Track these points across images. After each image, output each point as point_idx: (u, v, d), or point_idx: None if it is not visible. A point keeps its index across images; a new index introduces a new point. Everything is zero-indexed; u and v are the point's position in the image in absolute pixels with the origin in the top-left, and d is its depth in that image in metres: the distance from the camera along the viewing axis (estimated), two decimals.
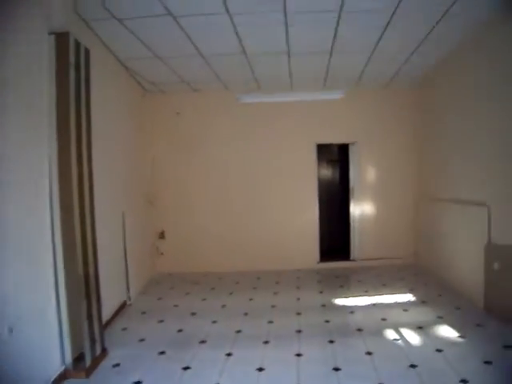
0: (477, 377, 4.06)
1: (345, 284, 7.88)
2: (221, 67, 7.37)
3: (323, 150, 10.09)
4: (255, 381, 4.16)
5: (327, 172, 11.12)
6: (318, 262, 9.22)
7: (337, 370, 4.31)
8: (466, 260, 6.66)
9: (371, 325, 5.59)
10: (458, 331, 5.21)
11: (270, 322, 5.84)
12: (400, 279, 7.90)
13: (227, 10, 5.14)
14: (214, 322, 5.90)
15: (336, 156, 11.04)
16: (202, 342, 5.20)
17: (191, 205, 9.10)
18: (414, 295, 6.82)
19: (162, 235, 9.06)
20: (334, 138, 9.33)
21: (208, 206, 9.11)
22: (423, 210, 8.82)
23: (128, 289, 6.99)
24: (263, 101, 8.78)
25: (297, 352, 4.78)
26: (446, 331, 5.25)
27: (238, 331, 5.50)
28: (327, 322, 5.76)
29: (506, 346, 4.72)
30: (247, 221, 9.13)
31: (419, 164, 9.04)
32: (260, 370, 4.38)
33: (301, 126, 9.10)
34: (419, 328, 5.37)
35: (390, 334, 5.25)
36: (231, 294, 7.34)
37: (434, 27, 5.84)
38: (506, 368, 4.24)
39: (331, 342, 5.05)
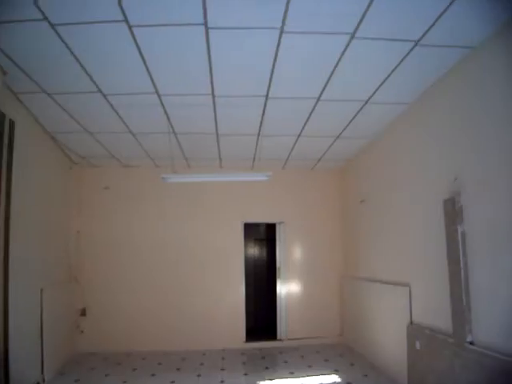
0: None
1: (270, 365, 7.71)
2: (150, 145, 7.45)
3: (251, 229, 10.21)
4: None
5: (254, 251, 11.21)
6: (245, 342, 9.03)
7: None
8: (389, 340, 6.75)
9: None
10: None
11: None
12: (326, 360, 7.84)
13: (156, 91, 5.26)
14: None
15: (263, 235, 11.18)
16: None
17: (116, 281, 8.79)
18: (340, 376, 6.77)
19: (83, 312, 8.60)
20: (262, 217, 9.49)
21: (134, 283, 8.82)
22: (348, 290, 8.97)
23: (42, 369, 6.52)
24: (189, 181, 8.80)
25: None
26: None
27: None
28: None
29: None
30: (173, 299, 8.88)
31: (344, 244, 9.32)
32: None
33: (229, 206, 9.22)
34: None
35: None
36: (153, 375, 6.98)
37: (352, 119, 6.30)
38: None
39: None
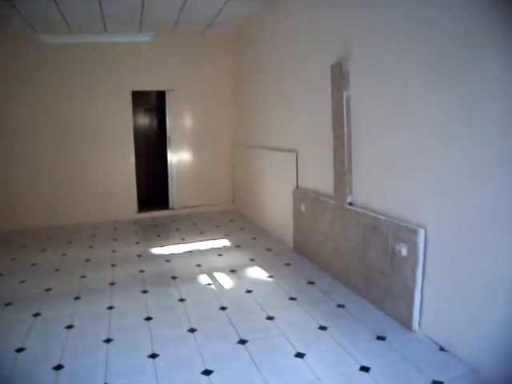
0: (283, 312, 4.29)
1: (162, 233, 7.80)
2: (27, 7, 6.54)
3: (140, 98, 9.74)
4: (64, 339, 3.88)
5: (144, 121, 10.81)
6: (137, 212, 9.00)
7: (148, 319, 4.22)
8: (277, 204, 6.99)
9: (186, 272, 5.60)
10: (268, 271, 5.46)
11: (83, 276, 5.52)
12: (217, 226, 8.06)
13: None
14: (22, 281, 5.39)
15: (154, 104, 10.75)
16: (8, 304, 4.70)
17: (1, 154, 8.14)
18: (230, 240, 7.00)
19: None
20: (151, 85, 9.00)
21: (21, 157, 8.22)
22: (240, 158, 9.04)
23: None
24: (70, 42, 7.99)
25: (109, 305, 4.58)
26: (257, 272, 5.47)
27: (48, 289, 5.09)
28: (142, 271, 5.64)
29: (310, 282, 5.06)
30: (63, 173, 8.46)
31: (236, 113, 9.21)
32: (69, 327, 4.11)
33: (115, 73, 8.56)
34: (232, 271, 5.52)
35: (204, 279, 5.31)
36: (43, 250, 6.80)
37: None
38: (309, 301, 4.53)
39: (144, 291, 4.94)
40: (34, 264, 6.13)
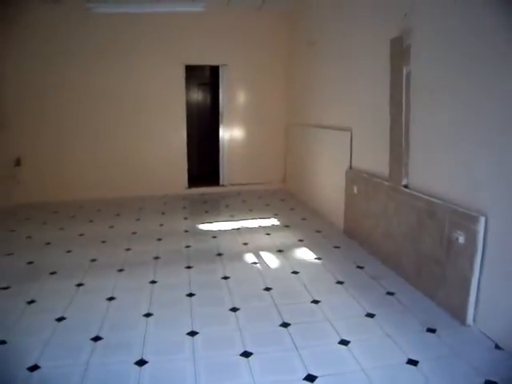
0: (329, 296, 4.14)
1: (211, 209, 7.77)
2: None
3: (194, 73, 9.68)
4: (104, 311, 3.88)
5: (197, 95, 10.75)
6: (187, 188, 9.01)
7: (191, 295, 4.17)
8: (329, 185, 6.78)
9: (232, 249, 5.53)
10: (316, 253, 5.31)
11: (128, 249, 5.54)
12: (266, 205, 7.94)
13: None
14: (69, 251, 5.47)
15: (207, 79, 10.66)
16: (53, 273, 4.77)
17: (52, 129, 8.26)
18: (278, 220, 6.87)
19: (17, 162, 8.16)
20: (204, 59, 8.89)
21: (69, 130, 8.34)
22: (292, 136, 8.85)
23: None
24: (120, 11, 7.90)
25: (151, 279, 4.55)
26: (305, 254, 5.32)
27: (93, 260, 5.15)
28: (188, 247, 5.61)
29: (358, 266, 4.88)
30: (112, 146, 8.55)
31: (290, 90, 8.99)
32: (110, 299, 4.11)
33: (168, 46, 8.49)
34: (279, 251, 5.39)
35: (250, 258, 5.21)
36: (91, 221, 6.91)
37: None
38: (356, 286, 4.36)
39: (189, 267, 4.89)
40: (81, 234, 6.22)
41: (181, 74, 8.67)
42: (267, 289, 4.30)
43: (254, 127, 9.16)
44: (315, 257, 5.21)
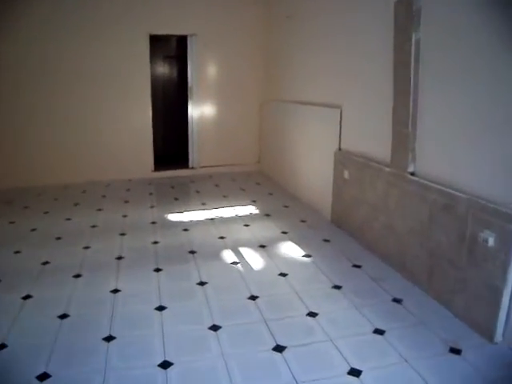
0: (326, 306, 3.48)
1: (181, 196, 6.97)
2: None
3: (158, 44, 8.76)
4: (54, 333, 3.10)
5: (163, 69, 9.79)
6: (153, 171, 8.17)
7: (160, 309, 3.44)
8: (313, 167, 6.11)
9: (207, 245, 4.80)
10: (304, 249, 4.63)
11: (87, 247, 4.74)
12: (242, 189, 7.20)
13: None
14: (17, 252, 4.60)
15: (173, 51, 9.74)
16: None
17: (11, 108, 7.22)
18: (257, 207, 6.16)
19: None
20: (171, 28, 7.95)
21: (31, 111, 7.32)
22: (268, 113, 8.09)
23: None
24: None
25: (113, 287, 3.80)
26: (291, 249, 4.64)
27: (45, 263, 4.31)
28: (155, 243, 4.84)
29: (355, 265, 4.23)
30: (74, 126, 7.55)
31: (268, 64, 8.16)
32: (62, 317, 3.32)
33: (132, 13, 7.53)
34: (261, 247, 4.70)
35: (228, 256, 4.49)
36: (46, 213, 6.01)
37: None
38: (357, 292, 3.71)
39: (157, 270, 4.14)
40: (33, 230, 5.35)
41: (145, 46, 7.72)
42: (252, 297, 3.61)
43: (226, 104, 8.34)
44: (303, 253, 4.53)
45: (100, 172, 7.78)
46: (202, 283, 3.87)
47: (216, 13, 7.92)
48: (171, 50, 9.69)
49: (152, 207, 6.29)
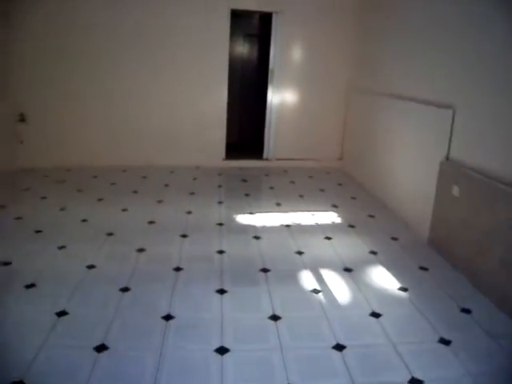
0: (437, 378, 2.67)
1: (253, 192, 6.22)
2: None
3: (239, 21, 8.01)
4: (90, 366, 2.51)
5: (243, 49, 9.04)
6: (224, 159, 7.50)
7: (222, 351, 2.71)
8: (408, 175, 5.21)
9: (282, 261, 4.03)
10: (399, 279, 3.79)
11: (141, 249, 4.11)
12: (321, 190, 6.38)
13: None
14: (62, 247, 4.06)
15: (255, 29, 8.96)
16: (31, 286, 3.41)
17: (63, 82, 6.73)
18: (339, 215, 5.34)
19: (21, 118, 6.69)
20: (254, 3, 7.15)
21: (86, 84, 6.81)
22: (356, 105, 7.20)
23: None
24: None
25: (165, 313, 3.10)
26: (382, 278, 3.81)
27: (90, 267, 3.72)
28: (221, 253, 4.14)
29: (464, 310, 3.38)
30: (136, 104, 7.01)
31: (358, 47, 7.23)
32: (99, 349, 2.70)
33: None
34: (347, 271, 3.89)
35: (307, 279, 3.71)
36: (100, 200, 5.47)
37: None
38: (472, 356, 2.87)
39: (221, 292, 3.43)
40: (83, 220, 4.79)
41: (225, 21, 7.02)
42: (339, 347, 2.82)
43: (308, 90, 7.49)
44: (398, 285, 3.69)
45: (164, 156, 7.21)
46: (274, 317, 3.11)
47: None
48: (252, 28, 8.92)
49: (220, 203, 5.61)
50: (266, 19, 7.75)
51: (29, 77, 6.59)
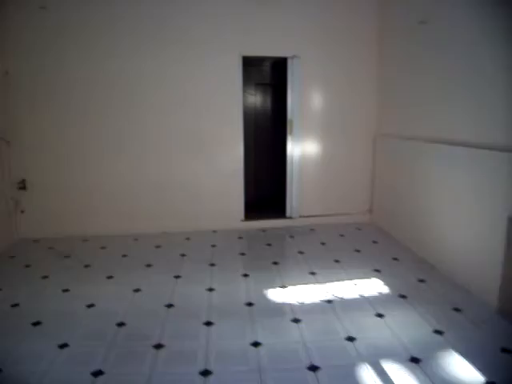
0: None
1: (280, 258, 5.50)
2: None
3: (249, 69, 7.51)
4: None
5: (255, 99, 8.50)
6: (243, 220, 6.83)
7: None
8: (465, 233, 4.48)
9: (332, 354, 3.25)
10: (478, 367, 3.03)
11: (159, 345, 3.38)
12: (356, 250, 5.65)
13: None
14: (63, 346, 3.36)
15: (267, 78, 8.44)
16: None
17: (67, 143, 6.21)
18: (385, 282, 4.59)
19: (22, 184, 6.19)
20: (267, 49, 6.63)
21: (90, 145, 6.28)
22: (385, 152, 6.57)
23: None
24: None
25: None
26: (459, 369, 3.04)
27: (97, 373, 3.01)
28: (256, 345, 3.38)
29: None
30: (147, 165, 6.43)
31: (384, 90, 6.65)
32: None
33: (221, 32, 6.36)
34: (413, 361, 3.12)
35: (369, 379, 2.97)
36: (110, 278, 4.81)
37: None
38: None
39: None
40: (90, 306, 4.11)
41: (237, 69, 6.50)
42: None
43: (331, 140, 6.87)
44: (482, 380, 2.92)
45: (178, 221, 6.59)
46: None
47: (321, 31, 6.61)
48: (264, 76, 8.41)
49: (245, 276, 4.86)
50: (277, 66, 7.22)
51: (29, 141, 6.12)
